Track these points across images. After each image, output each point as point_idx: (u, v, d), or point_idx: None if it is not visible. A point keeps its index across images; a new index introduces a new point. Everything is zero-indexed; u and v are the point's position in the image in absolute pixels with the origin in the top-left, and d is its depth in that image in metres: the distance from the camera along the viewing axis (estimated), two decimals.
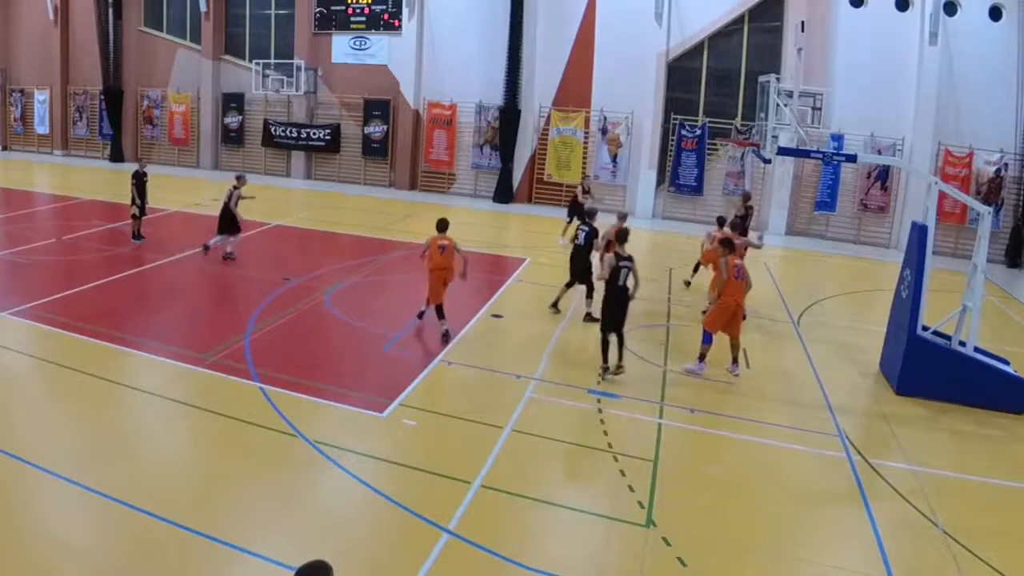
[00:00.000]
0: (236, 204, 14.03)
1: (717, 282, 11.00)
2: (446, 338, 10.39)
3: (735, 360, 10.04)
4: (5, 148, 31.36)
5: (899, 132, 20.47)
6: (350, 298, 12.78)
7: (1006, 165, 19.82)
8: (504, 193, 24.30)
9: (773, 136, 11.08)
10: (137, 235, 15.22)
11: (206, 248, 14.54)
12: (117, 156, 28.89)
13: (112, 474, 6.48)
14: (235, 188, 14.11)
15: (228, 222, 14.12)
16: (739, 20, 21.79)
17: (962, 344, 9.51)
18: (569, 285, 12.08)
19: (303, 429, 7.51)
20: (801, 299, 14.19)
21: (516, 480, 6.87)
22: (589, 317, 11.58)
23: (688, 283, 14.57)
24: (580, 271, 11.93)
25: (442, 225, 10.90)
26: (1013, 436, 8.68)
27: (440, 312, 10.46)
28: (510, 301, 12.42)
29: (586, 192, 17.94)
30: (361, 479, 6.70)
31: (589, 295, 11.75)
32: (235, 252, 14.46)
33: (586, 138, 23.42)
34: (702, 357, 9.88)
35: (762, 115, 11.62)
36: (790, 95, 11.40)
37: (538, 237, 18.70)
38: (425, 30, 24.87)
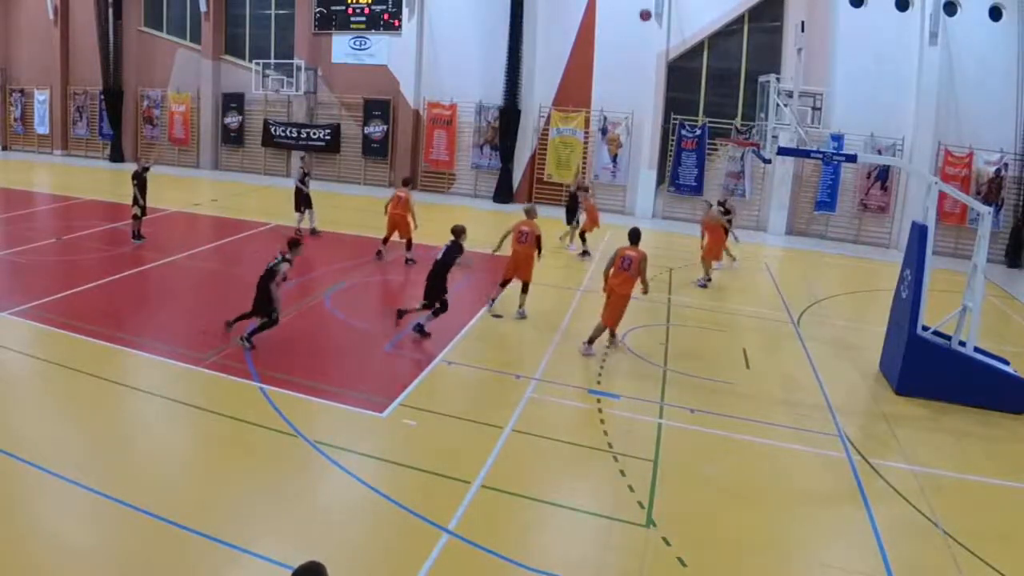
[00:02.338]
0: (305, 182, 16.80)
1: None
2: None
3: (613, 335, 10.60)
4: (5, 148, 31.36)
5: (899, 132, 20.46)
6: (350, 298, 12.78)
7: (1006, 165, 19.82)
8: (504, 193, 24.29)
9: (773, 136, 11.08)
10: (137, 235, 15.22)
11: (313, 231, 17.06)
12: (117, 156, 28.88)
13: (112, 474, 6.48)
14: (303, 168, 17.12)
15: (304, 200, 16.75)
16: (739, 20, 21.79)
17: (962, 344, 9.51)
18: (428, 306, 10.53)
19: (303, 429, 7.51)
20: (801, 299, 14.19)
21: (516, 480, 6.87)
22: (420, 328, 10.50)
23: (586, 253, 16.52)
24: (436, 289, 10.47)
25: (404, 181, 15.41)
26: (1013, 436, 8.68)
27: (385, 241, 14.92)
28: (510, 301, 12.40)
29: (580, 189, 17.94)
30: (361, 479, 6.70)
31: (436, 314, 10.48)
32: (317, 228, 17.08)
33: (586, 138, 23.42)
34: (592, 341, 10.26)
35: (762, 115, 11.62)
36: (790, 95, 11.39)
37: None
38: (425, 30, 24.87)
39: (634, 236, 10.48)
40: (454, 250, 10.58)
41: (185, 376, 8.73)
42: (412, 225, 14.71)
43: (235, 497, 6.39)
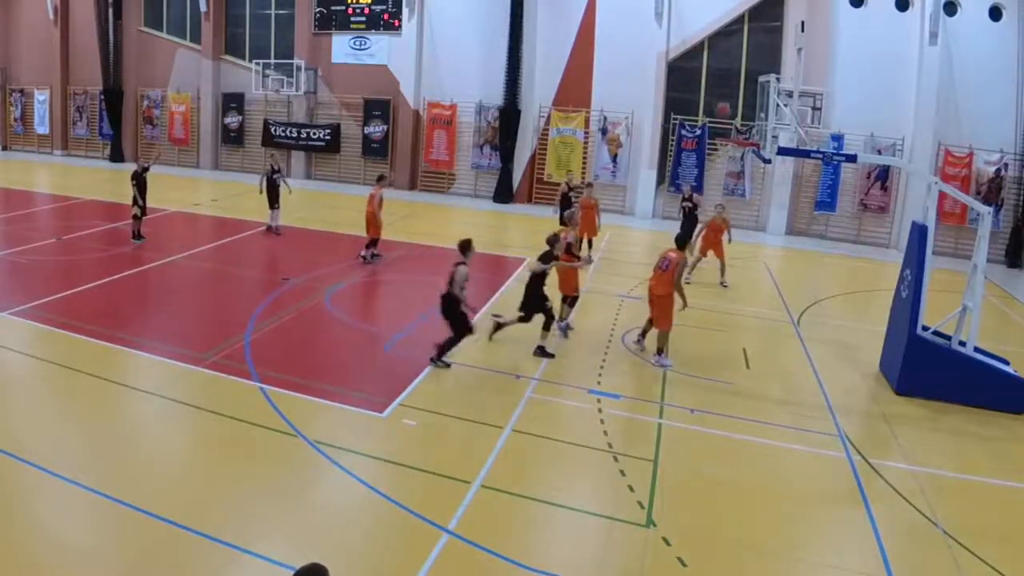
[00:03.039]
0: (272, 182, 16.81)
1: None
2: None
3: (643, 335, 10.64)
4: (5, 148, 31.37)
5: (899, 132, 20.47)
6: (350, 298, 12.79)
7: (1006, 165, 19.81)
8: (504, 193, 24.30)
9: (773, 136, 11.08)
10: (137, 235, 15.23)
11: (269, 228, 17.20)
12: (117, 156, 28.91)
13: (112, 474, 6.48)
14: (273, 164, 17.19)
15: (273, 196, 16.85)
16: (739, 20, 21.80)
17: (962, 344, 9.51)
18: (524, 319, 10.24)
19: (303, 429, 7.51)
20: (801, 299, 14.19)
21: (516, 480, 6.87)
22: (542, 351, 10.12)
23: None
24: (534, 299, 10.13)
25: (378, 177, 15.72)
26: (1013, 436, 8.68)
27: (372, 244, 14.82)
28: (510, 301, 12.39)
29: (571, 189, 17.53)
30: (361, 479, 6.70)
31: (547, 327, 10.19)
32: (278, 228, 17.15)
33: (586, 138, 23.43)
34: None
35: (762, 115, 11.61)
36: (790, 95, 11.38)
37: (539, 237, 18.61)
38: (425, 30, 24.88)
39: (679, 240, 10.61)
40: (546, 259, 10.12)
41: (185, 376, 8.73)
42: (377, 223, 14.59)
43: (235, 497, 6.38)
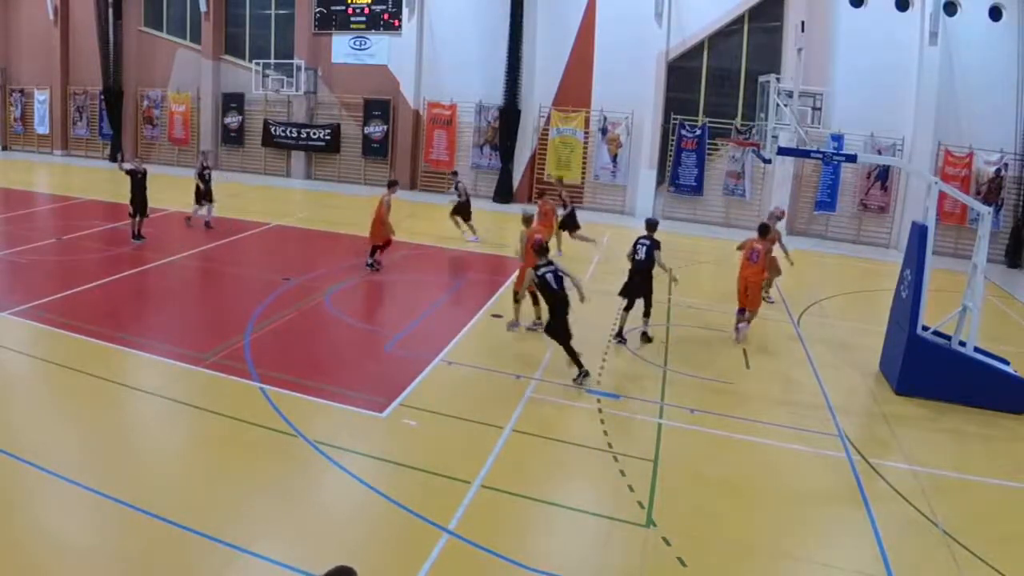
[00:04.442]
0: (201, 177, 16.84)
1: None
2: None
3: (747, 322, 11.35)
4: (5, 148, 31.36)
5: (899, 132, 20.45)
6: (350, 298, 12.78)
7: (1006, 165, 19.81)
8: (504, 193, 24.29)
9: (773, 136, 11.07)
10: (137, 235, 15.23)
11: (195, 222, 17.25)
12: (117, 156, 28.88)
13: (112, 474, 6.48)
14: (203, 162, 17.15)
15: (203, 193, 16.92)
16: (739, 20, 21.78)
17: (962, 344, 9.51)
18: (628, 308, 10.84)
19: (303, 429, 7.51)
20: (801, 299, 14.19)
21: (516, 480, 6.87)
22: (646, 336, 10.94)
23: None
24: (642, 288, 10.79)
25: (388, 183, 14.79)
26: (1013, 436, 8.68)
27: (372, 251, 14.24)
28: (510, 301, 12.39)
29: (456, 187, 17.51)
30: (361, 479, 6.70)
31: (647, 313, 10.88)
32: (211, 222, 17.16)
33: (586, 138, 23.43)
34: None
35: (762, 115, 11.61)
36: (790, 95, 11.39)
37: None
38: (425, 30, 24.87)
39: (762, 230, 11.53)
40: (655, 247, 10.72)
41: (185, 376, 8.73)
42: (379, 230, 13.97)
43: (235, 497, 6.39)
